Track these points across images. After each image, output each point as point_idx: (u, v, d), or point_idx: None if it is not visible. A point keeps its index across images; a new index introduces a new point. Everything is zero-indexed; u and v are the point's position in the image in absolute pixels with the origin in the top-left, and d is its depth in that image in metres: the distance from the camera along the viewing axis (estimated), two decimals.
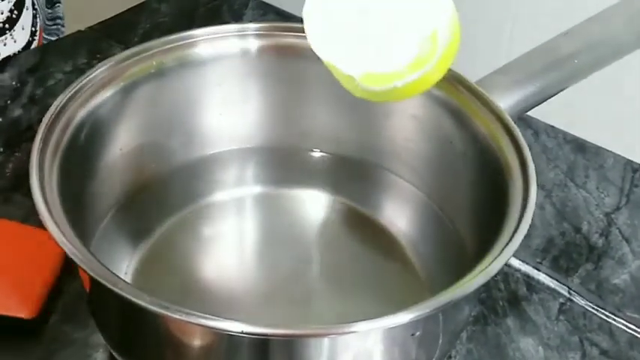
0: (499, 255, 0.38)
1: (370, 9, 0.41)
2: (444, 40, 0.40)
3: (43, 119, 0.44)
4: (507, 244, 0.39)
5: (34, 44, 0.76)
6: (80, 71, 0.50)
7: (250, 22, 0.54)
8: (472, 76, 0.50)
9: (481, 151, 0.47)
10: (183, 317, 0.35)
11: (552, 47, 0.53)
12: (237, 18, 0.82)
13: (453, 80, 0.50)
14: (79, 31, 0.78)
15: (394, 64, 0.40)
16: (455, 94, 0.49)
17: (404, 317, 0.35)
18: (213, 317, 0.35)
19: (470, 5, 0.72)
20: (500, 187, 0.44)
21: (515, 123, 0.47)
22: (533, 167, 0.43)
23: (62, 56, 0.73)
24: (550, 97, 0.52)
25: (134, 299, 0.35)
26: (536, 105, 0.52)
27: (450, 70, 0.50)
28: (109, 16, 0.80)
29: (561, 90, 0.52)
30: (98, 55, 0.73)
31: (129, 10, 0.82)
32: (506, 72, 0.52)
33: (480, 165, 0.48)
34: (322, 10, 0.42)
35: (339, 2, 0.42)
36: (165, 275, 0.50)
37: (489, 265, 0.38)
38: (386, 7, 0.41)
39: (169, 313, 0.35)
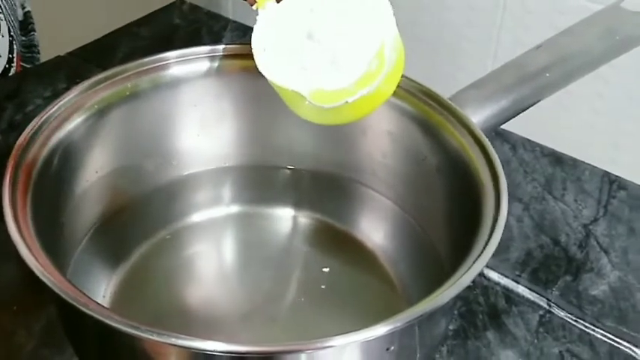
0: (471, 266, 0.38)
1: (317, 33, 0.43)
2: (390, 56, 0.41)
3: (16, 144, 0.44)
4: (480, 255, 0.39)
5: (12, 71, 0.76)
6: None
7: (226, 44, 0.54)
8: (452, 91, 0.51)
9: (454, 165, 0.48)
10: (156, 337, 0.35)
11: (525, 61, 0.53)
12: (217, 40, 0.83)
13: (425, 96, 0.50)
14: (59, 57, 0.78)
15: (344, 82, 0.41)
16: (427, 109, 0.50)
17: (377, 331, 0.36)
18: (188, 337, 0.35)
19: (454, 22, 0.73)
20: (474, 199, 0.44)
21: (491, 137, 0.47)
22: (505, 179, 0.44)
23: (41, 82, 0.73)
24: (523, 111, 0.52)
25: (105, 320, 0.35)
26: (510, 118, 0.52)
27: (422, 86, 0.50)
28: (84, 43, 0.80)
29: (534, 103, 0.52)
30: (78, 80, 0.73)
31: (108, 34, 0.82)
32: (480, 86, 0.52)
33: (454, 179, 0.48)
34: (271, 37, 0.44)
35: (286, 30, 0.43)
36: (144, 297, 0.50)
37: (462, 276, 0.38)
38: (332, 30, 0.43)
39: (141, 334, 0.35)
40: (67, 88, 0.72)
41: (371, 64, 0.41)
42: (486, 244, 0.40)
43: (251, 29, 0.82)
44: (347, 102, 0.42)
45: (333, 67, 0.42)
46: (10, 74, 0.76)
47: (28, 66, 0.82)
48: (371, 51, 0.41)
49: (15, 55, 0.77)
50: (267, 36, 0.44)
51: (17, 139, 0.45)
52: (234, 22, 0.85)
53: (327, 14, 0.43)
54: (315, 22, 0.43)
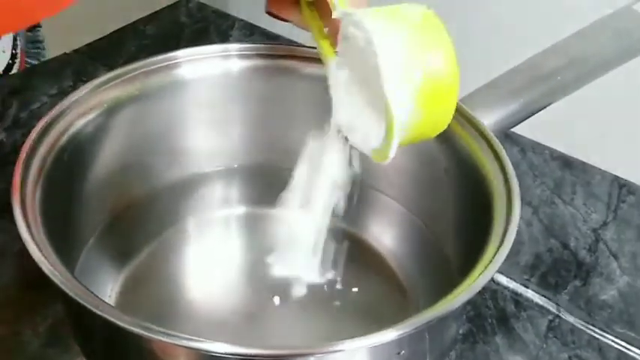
0: (483, 271, 0.38)
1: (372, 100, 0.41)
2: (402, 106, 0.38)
3: (25, 142, 0.44)
4: (491, 260, 0.39)
5: (16, 67, 0.76)
6: (66, 94, 0.50)
7: (235, 43, 0.54)
8: (462, 93, 0.50)
9: (465, 168, 0.47)
10: (165, 339, 0.34)
11: (536, 63, 0.53)
12: (224, 39, 0.82)
13: None
14: (65, 54, 0.77)
15: (379, 139, 0.40)
16: None
17: (388, 335, 0.35)
18: (197, 339, 0.35)
19: (464, 24, 0.72)
20: (485, 203, 0.44)
21: (500, 139, 0.47)
22: (517, 183, 0.43)
23: (47, 79, 0.73)
24: (534, 114, 0.52)
25: (115, 321, 0.35)
26: (521, 121, 0.52)
27: None
28: (90, 41, 0.80)
29: (546, 106, 0.52)
30: (84, 78, 0.73)
31: (114, 32, 0.82)
32: (491, 88, 0.52)
33: (464, 182, 0.48)
34: (345, 101, 0.43)
35: (356, 98, 0.42)
36: (150, 296, 0.50)
37: (474, 281, 0.38)
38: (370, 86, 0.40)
39: (151, 335, 0.34)
40: (73, 86, 0.72)
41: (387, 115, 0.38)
42: (498, 249, 0.39)
43: (258, 28, 0.82)
44: (390, 158, 0.40)
45: (370, 125, 0.40)
46: (14, 70, 0.76)
47: (33, 62, 0.81)
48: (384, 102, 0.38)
49: (18, 50, 0.77)
50: (343, 104, 0.43)
51: (22, 137, 0.45)
52: (241, 20, 0.85)
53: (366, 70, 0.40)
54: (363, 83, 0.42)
